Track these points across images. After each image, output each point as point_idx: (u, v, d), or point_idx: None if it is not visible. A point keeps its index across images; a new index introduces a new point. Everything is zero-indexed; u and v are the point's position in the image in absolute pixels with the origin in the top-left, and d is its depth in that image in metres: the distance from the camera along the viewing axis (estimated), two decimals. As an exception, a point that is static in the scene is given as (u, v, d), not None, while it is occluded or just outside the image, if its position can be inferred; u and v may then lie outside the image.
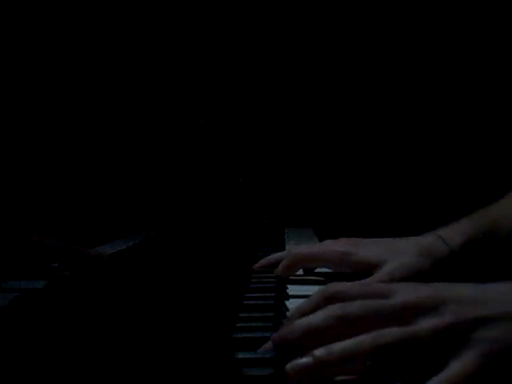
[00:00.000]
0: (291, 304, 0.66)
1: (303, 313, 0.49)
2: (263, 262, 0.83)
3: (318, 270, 0.84)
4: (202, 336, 0.51)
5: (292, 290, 0.75)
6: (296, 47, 1.56)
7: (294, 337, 0.46)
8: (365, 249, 0.78)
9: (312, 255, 0.81)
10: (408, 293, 0.47)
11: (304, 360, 0.44)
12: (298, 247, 0.86)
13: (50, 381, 0.41)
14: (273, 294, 0.66)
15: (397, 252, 0.77)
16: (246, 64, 1.57)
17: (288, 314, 0.62)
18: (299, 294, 0.71)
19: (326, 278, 0.81)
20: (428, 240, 0.78)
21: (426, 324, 0.44)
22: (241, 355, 0.46)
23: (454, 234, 0.77)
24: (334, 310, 0.46)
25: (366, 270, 0.76)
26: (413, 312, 0.45)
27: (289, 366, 0.44)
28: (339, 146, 1.57)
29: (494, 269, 0.78)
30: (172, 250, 1.03)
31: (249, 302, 0.63)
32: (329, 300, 0.48)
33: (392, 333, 0.44)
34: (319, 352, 0.44)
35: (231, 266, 0.86)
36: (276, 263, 0.81)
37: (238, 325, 0.54)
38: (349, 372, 0.44)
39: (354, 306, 0.46)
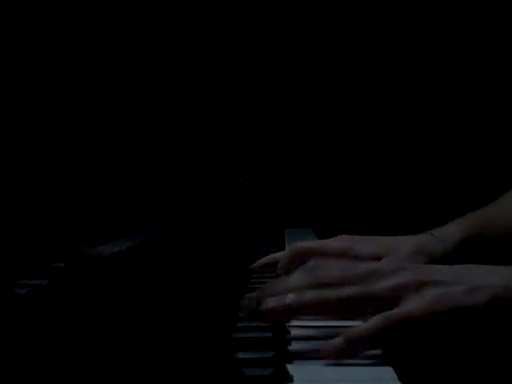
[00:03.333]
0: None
1: (280, 268, 0.65)
2: (261, 261, 0.83)
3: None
4: (202, 336, 0.51)
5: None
6: (296, 47, 1.56)
7: (273, 293, 0.54)
8: (363, 245, 0.79)
9: (311, 249, 0.81)
10: (373, 264, 0.56)
11: (275, 301, 0.53)
12: (300, 243, 0.86)
13: (50, 380, 0.41)
14: (273, 294, 0.66)
15: (394, 249, 0.78)
16: (246, 64, 1.57)
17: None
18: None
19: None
20: (424, 238, 0.79)
21: (383, 284, 0.53)
22: (241, 355, 0.46)
23: (449, 233, 0.79)
24: (308, 273, 0.56)
25: None
26: (374, 276, 0.53)
27: (262, 306, 0.53)
28: (339, 146, 1.57)
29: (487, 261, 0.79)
30: (172, 250, 1.03)
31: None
32: (300, 255, 0.63)
33: (351, 289, 0.53)
34: (289, 297, 0.53)
35: (231, 266, 0.86)
36: (274, 263, 0.82)
37: (238, 325, 0.54)
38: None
39: (325, 271, 0.55)
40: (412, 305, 0.51)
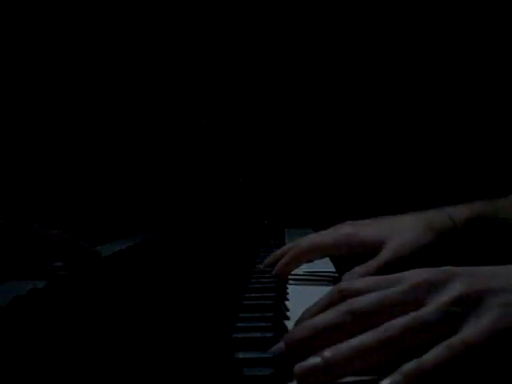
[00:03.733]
0: (291, 304, 0.66)
1: (314, 312, 0.48)
2: (268, 260, 0.83)
3: (319, 270, 0.84)
4: (202, 336, 0.51)
5: (292, 289, 0.75)
6: (296, 47, 1.56)
7: (305, 335, 0.45)
8: (366, 229, 0.77)
9: (313, 246, 0.80)
10: (415, 275, 0.46)
11: (312, 360, 0.43)
12: (299, 241, 0.84)
13: (50, 381, 0.41)
14: (273, 294, 0.66)
15: (400, 228, 0.76)
16: (246, 64, 1.57)
17: (288, 313, 0.62)
18: (299, 294, 0.71)
19: (326, 278, 0.81)
20: (433, 214, 0.77)
21: (435, 302, 0.43)
22: (241, 355, 0.46)
23: (459, 210, 0.77)
24: (343, 306, 0.46)
25: (370, 250, 0.75)
26: (420, 293, 0.44)
27: (297, 366, 0.43)
28: (339, 146, 1.57)
29: (496, 250, 0.78)
30: (172, 250, 1.03)
31: (249, 302, 0.63)
32: (338, 298, 0.48)
33: (399, 322, 0.43)
34: (327, 352, 0.43)
35: (231, 266, 0.86)
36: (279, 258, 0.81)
37: (237, 325, 0.54)
38: (360, 371, 0.43)
39: (363, 300, 0.45)
40: (474, 328, 0.42)
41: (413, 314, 0.43)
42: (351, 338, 0.43)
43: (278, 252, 0.82)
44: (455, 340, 0.41)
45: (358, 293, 0.47)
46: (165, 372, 0.43)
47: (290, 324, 0.58)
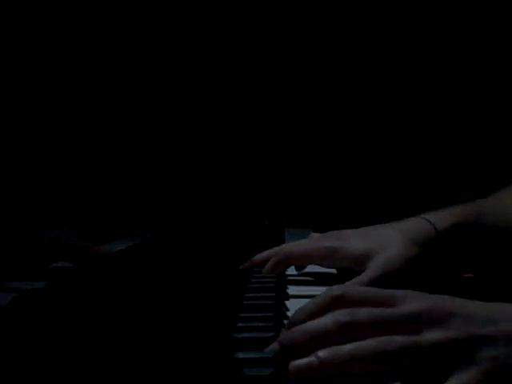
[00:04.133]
0: (291, 304, 0.66)
1: (308, 314, 0.49)
2: (255, 259, 0.83)
3: (318, 270, 0.84)
4: (202, 336, 0.51)
5: (292, 290, 0.75)
6: (296, 47, 1.56)
7: (301, 340, 0.47)
8: (351, 242, 0.78)
9: (299, 253, 0.80)
10: (413, 303, 0.47)
11: (307, 359, 0.44)
12: (287, 244, 0.85)
13: (50, 381, 0.41)
14: (273, 294, 0.66)
15: (384, 242, 0.76)
16: (245, 64, 1.57)
17: (288, 313, 0.62)
18: (299, 294, 0.71)
19: (326, 279, 0.81)
20: (415, 224, 0.77)
21: (431, 335, 0.45)
22: (241, 355, 0.46)
23: (441, 217, 0.77)
24: (341, 315, 0.47)
25: (355, 264, 0.76)
26: (418, 322, 0.46)
27: (292, 364, 0.44)
28: (339, 146, 1.57)
29: (479, 258, 0.78)
30: (172, 250, 1.03)
31: (249, 302, 0.63)
32: (333, 303, 0.49)
33: (396, 340, 0.44)
34: (322, 353, 0.44)
35: (231, 266, 0.86)
36: (262, 262, 0.82)
37: (238, 325, 0.54)
38: (350, 375, 0.44)
39: (362, 314, 0.47)
40: (464, 377, 0.43)
41: (411, 337, 0.45)
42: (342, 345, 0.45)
43: (264, 254, 0.83)
44: None
45: (353, 304, 0.48)
46: (165, 372, 0.43)
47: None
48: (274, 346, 0.47)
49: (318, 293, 0.55)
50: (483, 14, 1.49)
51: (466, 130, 1.50)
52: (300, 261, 0.82)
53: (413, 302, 0.48)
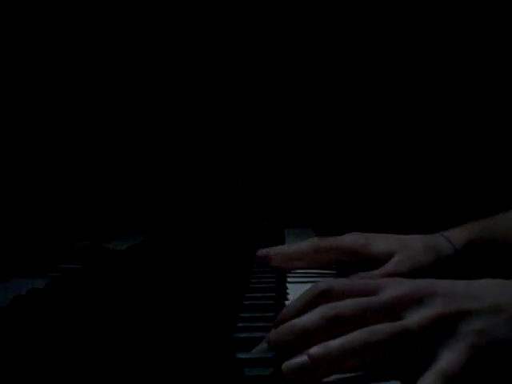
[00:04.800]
0: (291, 304, 0.66)
1: (296, 311, 0.50)
2: (267, 252, 0.84)
3: (318, 270, 0.84)
4: (202, 336, 0.51)
5: (292, 289, 0.75)
6: (296, 47, 1.56)
7: (288, 338, 0.47)
8: (374, 242, 0.80)
9: (327, 246, 0.82)
10: (396, 288, 0.48)
11: (299, 359, 0.45)
12: (316, 238, 0.86)
13: (50, 381, 0.41)
14: (273, 294, 0.66)
15: (405, 246, 0.79)
16: (246, 64, 1.57)
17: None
18: (299, 294, 0.71)
19: (327, 278, 0.81)
20: (433, 238, 0.80)
21: (415, 317, 0.46)
22: (241, 355, 0.46)
23: (458, 235, 0.80)
24: (326, 310, 0.47)
25: (376, 262, 0.79)
26: (401, 306, 0.47)
27: (284, 365, 0.45)
28: (339, 146, 1.57)
29: (493, 273, 0.80)
30: (172, 251, 1.03)
31: (249, 302, 0.63)
32: (319, 297, 0.49)
33: (383, 329, 0.45)
34: (314, 350, 0.45)
35: (231, 265, 0.86)
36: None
37: (238, 325, 0.54)
38: (343, 370, 0.45)
39: (346, 306, 0.47)
40: (450, 355, 0.44)
41: (394, 323, 0.45)
42: (331, 339, 0.45)
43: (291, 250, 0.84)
44: (434, 370, 0.43)
45: (339, 296, 0.49)
46: (165, 372, 0.43)
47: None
48: (263, 345, 0.48)
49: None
50: (483, 14, 1.49)
51: (475, 136, 1.50)
52: (326, 255, 0.83)
53: (395, 287, 0.48)
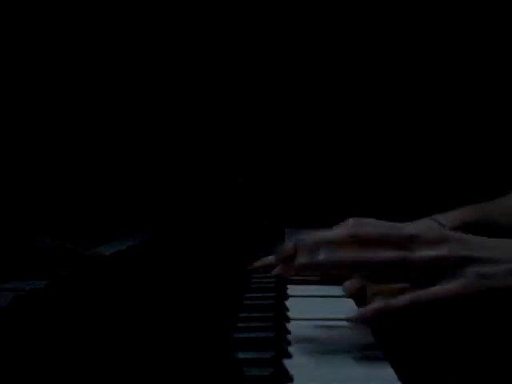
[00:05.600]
0: (291, 304, 0.66)
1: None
2: (265, 261, 0.83)
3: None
4: (202, 336, 0.51)
5: (292, 290, 0.75)
6: (296, 47, 1.56)
7: (308, 243, 0.55)
8: (372, 228, 0.80)
9: (317, 240, 0.81)
10: (414, 228, 0.54)
11: (307, 257, 0.53)
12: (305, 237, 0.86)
13: (50, 381, 0.41)
14: (273, 294, 0.66)
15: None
16: (245, 64, 1.57)
17: (288, 313, 0.62)
18: (299, 294, 0.71)
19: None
20: (426, 222, 0.81)
21: (421, 253, 0.51)
22: (241, 355, 0.46)
23: (450, 218, 0.81)
24: (347, 229, 0.54)
25: None
26: (415, 242, 0.52)
27: (296, 261, 0.54)
28: (339, 146, 1.57)
29: None
30: (172, 251, 1.03)
31: (249, 302, 0.63)
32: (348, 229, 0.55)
33: (389, 253, 0.51)
34: (323, 252, 0.52)
35: (231, 266, 0.86)
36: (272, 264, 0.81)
37: (238, 325, 0.54)
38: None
39: (365, 229, 0.54)
40: (449, 285, 0.49)
41: (403, 252, 0.51)
42: None
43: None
44: (425, 291, 0.49)
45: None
46: (165, 372, 0.43)
47: (289, 324, 0.58)
48: (290, 245, 0.56)
49: (318, 293, 0.57)
50: (483, 14, 1.49)
51: (471, 131, 1.50)
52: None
53: (414, 228, 0.54)
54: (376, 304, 0.49)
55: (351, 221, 0.56)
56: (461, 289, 0.49)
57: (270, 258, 0.82)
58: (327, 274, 0.55)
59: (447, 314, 0.49)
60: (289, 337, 0.54)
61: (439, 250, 0.51)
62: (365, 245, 0.52)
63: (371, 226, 0.55)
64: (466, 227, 0.79)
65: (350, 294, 0.64)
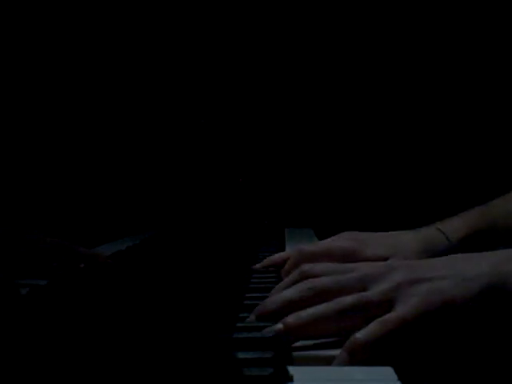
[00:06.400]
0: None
1: (282, 288, 0.59)
2: (266, 262, 0.83)
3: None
4: (202, 336, 0.51)
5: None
6: (296, 47, 1.56)
7: (273, 308, 0.55)
8: (369, 246, 0.80)
9: (318, 252, 0.81)
10: (367, 267, 0.57)
11: (277, 326, 0.52)
12: (303, 245, 0.85)
13: (50, 380, 0.41)
14: (273, 294, 0.66)
15: (399, 248, 0.78)
16: (245, 64, 1.57)
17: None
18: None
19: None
20: (429, 234, 0.80)
21: (377, 288, 0.53)
22: (241, 355, 0.46)
23: (454, 228, 0.80)
24: (304, 284, 0.56)
25: None
26: (368, 281, 0.54)
27: (264, 332, 0.51)
28: (339, 146, 1.57)
29: None
30: (172, 251, 1.03)
31: (249, 302, 0.63)
32: (302, 278, 0.58)
33: (348, 299, 0.53)
34: (290, 318, 0.52)
35: (231, 266, 0.86)
36: (279, 263, 0.81)
37: (237, 325, 0.54)
38: (316, 335, 0.53)
39: (320, 280, 0.56)
40: (404, 307, 0.51)
41: (359, 294, 0.53)
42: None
43: (281, 255, 0.83)
44: (388, 316, 0.51)
45: (316, 275, 0.57)
46: (165, 372, 0.43)
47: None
48: (251, 317, 0.56)
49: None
50: (483, 14, 1.49)
51: (471, 132, 1.50)
52: (319, 260, 0.82)
53: (367, 267, 0.57)
54: (347, 342, 0.50)
55: (298, 270, 0.59)
56: (417, 307, 0.51)
57: (277, 256, 0.83)
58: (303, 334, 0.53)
59: (412, 334, 0.51)
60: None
61: (389, 281, 0.53)
62: (324, 296, 0.54)
63: (321, 271, 0.57)
64: (470, 238, 0.79)
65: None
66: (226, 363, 0.45)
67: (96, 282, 0.73)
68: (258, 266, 0.83)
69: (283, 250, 0.93)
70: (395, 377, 0.45)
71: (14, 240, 0.80)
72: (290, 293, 0.56)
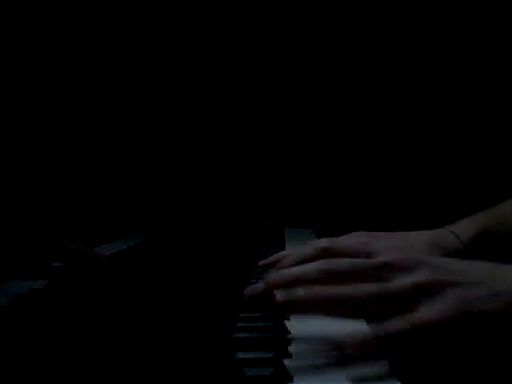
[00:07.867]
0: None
1: (296, 261, 0.56)
2: (271, 259, 0.83)
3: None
4: (202, 336, 0.51)
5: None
6: (296, 47, 1.56)
7: (285, 282, 0.51)
8: (379, 244, 0.79)
9: (329, 248, 0.80)
10: (390, 255, 0.53)
11: (285, 293, 0.50)
12: (314, 242, 0.84)
13: (50, 381, 0.41)
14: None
15: (410, 246, 0.78)
16: (245, 64, 1.57)
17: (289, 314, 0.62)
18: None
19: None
20: (440, 233, 0.80)
21: (399, 280, 0.50)
22: (241, 355, 0.46)
23: (464, 228, 0.79)
24: (324, 263, 0.52)
25: None
26: (391, 270, 0.51)
27: (272, 297, 0.49)
28: (339, 146, 1.57)
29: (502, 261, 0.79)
30: (172, 251, 1.03)
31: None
32: (320, 253, 0.55)
33: (369, 287, 0.49)
34: (301, 291, 0.49)
35: (232, 266, 0.86)
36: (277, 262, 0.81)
37: (238, 325, 0.54)
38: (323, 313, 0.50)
39: (341, 263, 0.52)
40: (429, 310, 0.48)
41: (382, 284, 0.50)
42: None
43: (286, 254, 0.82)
44: (412, 316, 0.48)
45: (337, 255, 0.54)
46: (165, 372, 0.43)
47: (290, 324, 0.58)
48: (259, 285, 0.52)
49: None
50: (483, 14, 1.49)
51: (473, 132, 1.50)
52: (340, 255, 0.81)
53: (389, 254, 0.53)
54: (376, 328, 0.48)
55: (316, 244, 0.56)
56: (444, 312, 0.48)
57: (279, 255, 0.82)
58: (311, 311, 0.50)
59: (431, 338, 0.48)
60: (288, 336, 0.54)
61: (415, 276, 0.50)
62: (342, 279, 0.51)
63: (340, 252, 0.55)
64: (480, 239, 0.78)
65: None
66: (226, 363, 0.45)
67: (96, 282, 0.73)
68: (262, 262, 0.82)
69: (283, 249, 0.92)
70: (395, 378, 0.45)
71: (14, 240, 0.80)
72: (307, 270, 0.52)
